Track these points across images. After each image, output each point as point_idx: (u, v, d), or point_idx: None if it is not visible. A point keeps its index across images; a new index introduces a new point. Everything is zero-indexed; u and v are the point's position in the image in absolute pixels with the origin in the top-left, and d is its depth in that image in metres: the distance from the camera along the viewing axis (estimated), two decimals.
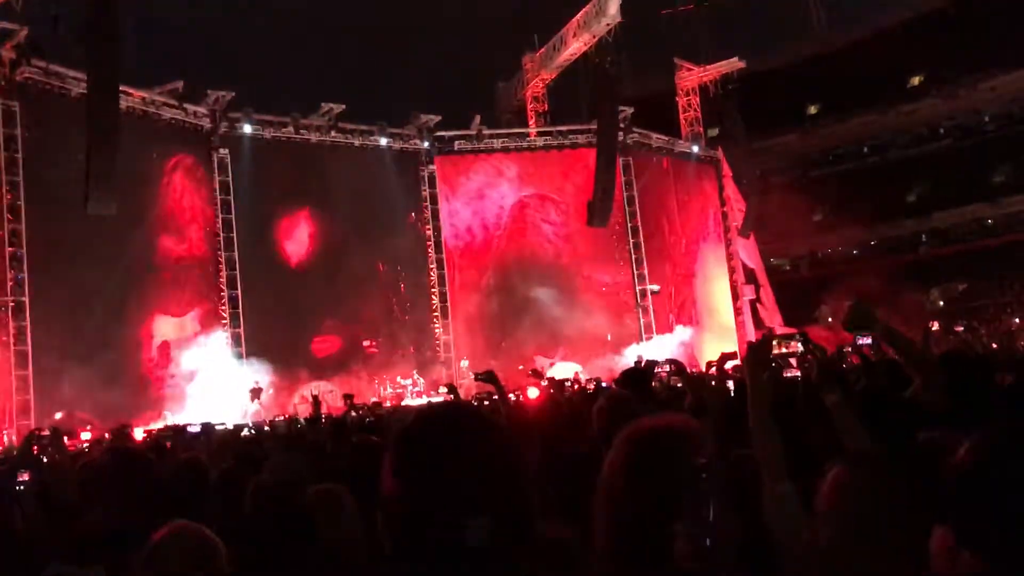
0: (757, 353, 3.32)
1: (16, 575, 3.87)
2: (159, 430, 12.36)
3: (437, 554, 1.42)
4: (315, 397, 14.53)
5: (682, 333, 30.96)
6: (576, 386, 12.57)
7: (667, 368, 7.60)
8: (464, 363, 27.39)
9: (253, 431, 11.92)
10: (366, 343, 27.26)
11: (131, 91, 22.81)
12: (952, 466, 1.53)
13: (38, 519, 4.80)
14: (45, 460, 7.66)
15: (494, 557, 1.42)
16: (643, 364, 9.65)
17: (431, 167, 30.15)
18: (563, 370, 25.02)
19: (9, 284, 19.70)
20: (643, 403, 4.51)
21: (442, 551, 1.42)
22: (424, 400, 23.01)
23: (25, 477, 6.20)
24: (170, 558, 2.43)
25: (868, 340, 6.98)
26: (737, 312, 34.53)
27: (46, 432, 9.77)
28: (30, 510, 5.09)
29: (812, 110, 45.75)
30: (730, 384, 4.88)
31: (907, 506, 2.04)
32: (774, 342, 3.67)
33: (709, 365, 12.36)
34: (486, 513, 1.42)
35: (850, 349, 7.10)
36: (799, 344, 3.89)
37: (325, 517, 2.77)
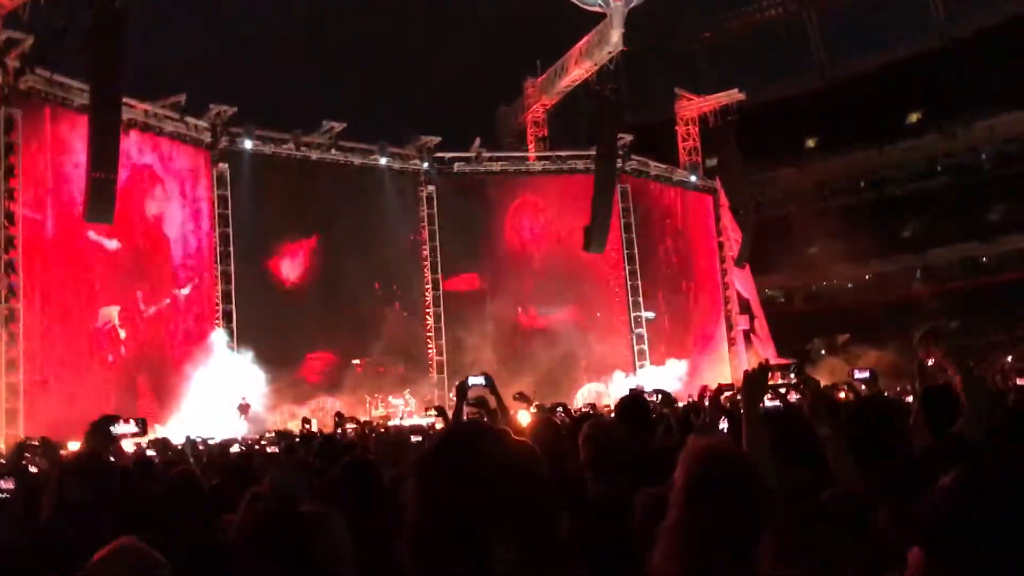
0: (754, 383, 3.32)
1: None
2: (148, 443, 12.28)
3: None
4: (305, 418, 14.47)
5: (677, 362, 30.95)
6: (565, 413, 12.46)
7: (655, 398, 7.58)
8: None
9: (243, 447, 11.84)
10: (355, 361, 27.17)
11: (133, 103, 22.89)
12: (932, 495, 1.59)
13: (21, 528, 4.75)
14: (33, 470, 7.61)
15: None
16: (634, 393, 9.60)
17: (430, 187, 30.22)
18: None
19: (3, 291, 19.64)
20: (634, 433, 4.48)
21: None
22: (413, 420, 22.89)
23: (9, 485, 6.15)
24: (108, 573, 2.38)
25: (866, 374, 6.97)
26: (731, 342, 34.55)
27: (36, 441, 9.70)
28: (14, 519, 5.04)
29: (810, 144, 45.93)
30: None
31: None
32: (770, 372, 3.70)
33: (702, 394, 12.32)
34: (513, 539, 1.38)
35: (845, 385, 7.11)
36: (792, 375, 3.91)
37: (316, 538, 2.73)
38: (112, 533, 3.63)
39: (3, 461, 10.69)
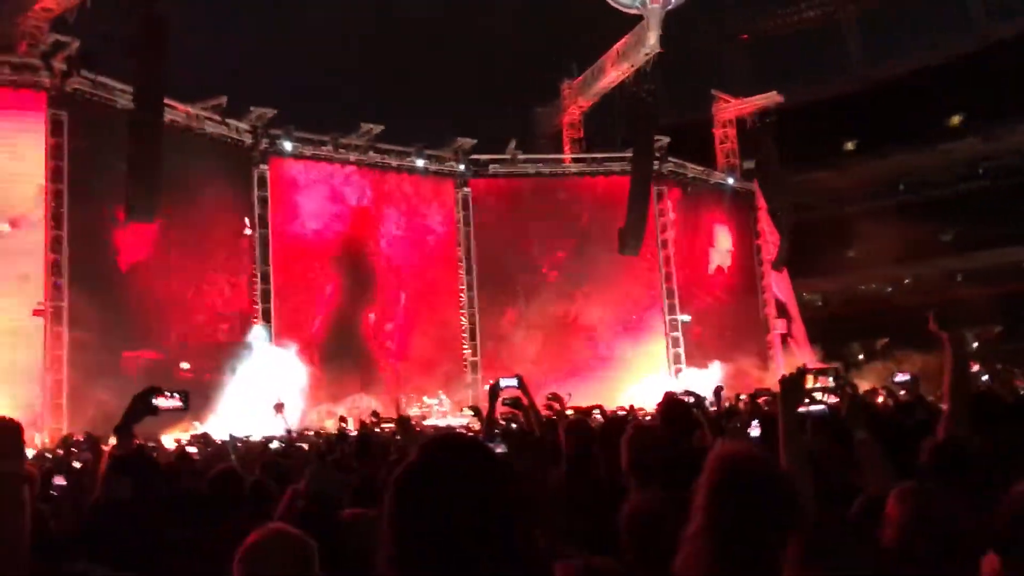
0: (791, 387, 3.31)
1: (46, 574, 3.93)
2: (190, 438, 12.50)
3: None
4: (341, 416, 14.58)
5: (718, 365, 30.64)
6: (601, 415, 12.47)
7: (688, 399, 7.52)
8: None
9: (282, 443, 11.99)
10: None
11: (175, 104, 23.22)
12: (1007, 501, 1.58)
13: (72, 521, 4.87)
14: (78, 465, 7.79)
15: None
16: (676, 396, 9.53)
17: (466, 189, 30.34)
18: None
19: (49, 290, 20.03)
20: (676, 435, 4.48)
21: None
22: (448, 420, 23.02)
23: (61, 481, 6.33)
24: (268, 559, 2.44)
25: (906, 378, 6.90)
26: (768, 346, 34.23)
27: (79, 437, 9.93)
28: (65, 512, 5.18)
29: (849, 146, 45.41)
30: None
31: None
32: (808, 376, 3.67)
33: (737, 399, 12.27)
34: (486, 551, 1.38)
35: (885, 389, 7.04)
36: (831, 379, 3.88)
37: (356, 541, 2.76)
38: (157, 528, 3.73)
39: (49, 455, 10.94)
